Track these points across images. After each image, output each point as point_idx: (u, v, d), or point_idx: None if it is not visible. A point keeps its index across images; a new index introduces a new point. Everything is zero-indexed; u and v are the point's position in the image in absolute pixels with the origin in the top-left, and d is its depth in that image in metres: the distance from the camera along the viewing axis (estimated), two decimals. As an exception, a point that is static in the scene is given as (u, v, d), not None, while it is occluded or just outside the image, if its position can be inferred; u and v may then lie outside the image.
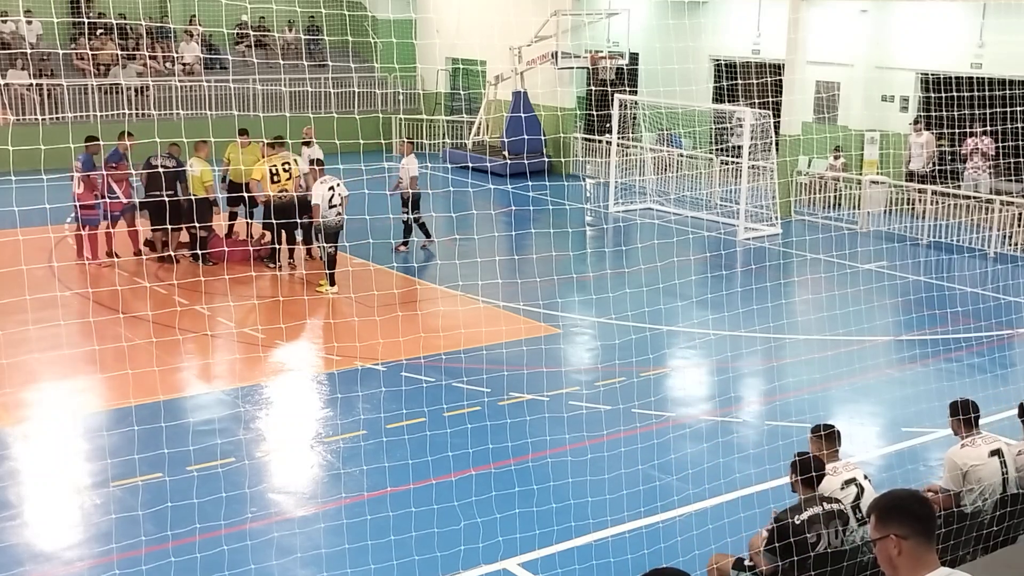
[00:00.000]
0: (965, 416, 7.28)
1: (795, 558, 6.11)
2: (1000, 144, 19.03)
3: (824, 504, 6.41)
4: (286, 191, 15.73)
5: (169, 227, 15.77)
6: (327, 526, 8.36)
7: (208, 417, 10.52)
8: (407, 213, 17.07)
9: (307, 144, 17.94)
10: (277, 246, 16.10)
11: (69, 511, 8.79)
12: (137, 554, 7.53)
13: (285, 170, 15.85)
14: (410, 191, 16.94)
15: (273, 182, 15.82)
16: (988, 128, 18.66)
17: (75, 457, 9.81)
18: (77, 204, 15.67)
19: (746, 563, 6.69)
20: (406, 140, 17.80)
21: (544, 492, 8.57)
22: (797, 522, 6.30)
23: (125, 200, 16.12)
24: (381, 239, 18.00)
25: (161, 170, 15.08)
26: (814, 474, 6.55)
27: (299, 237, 16.47)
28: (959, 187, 19.28)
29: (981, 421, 10.31)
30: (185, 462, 8.79)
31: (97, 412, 10.72)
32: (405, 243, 17.40)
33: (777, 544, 6.22)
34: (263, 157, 16.07)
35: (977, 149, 19.40)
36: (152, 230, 16.25)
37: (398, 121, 26.77)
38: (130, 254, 16.44)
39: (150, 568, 7.34)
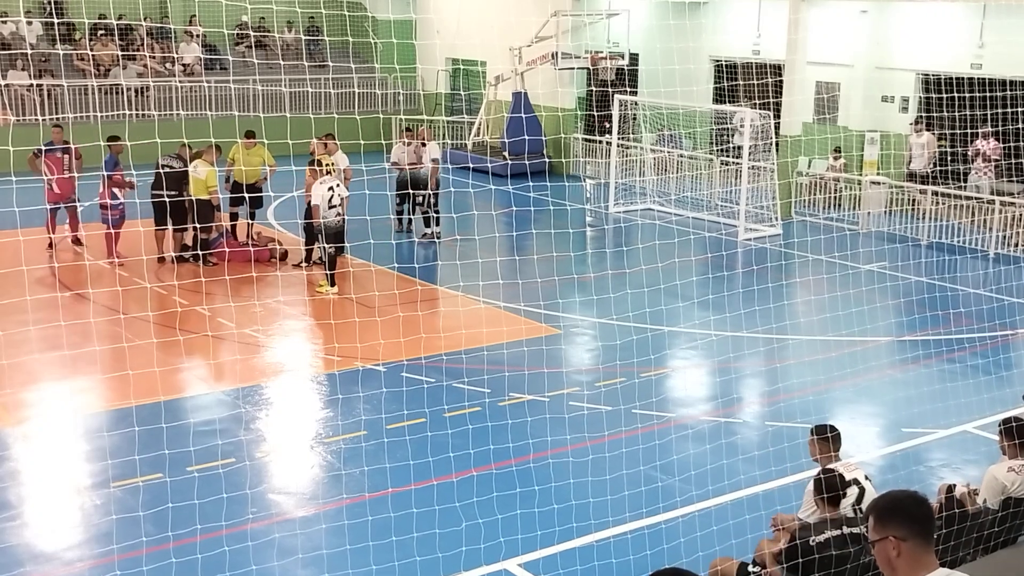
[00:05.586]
0: (1021, 440, 7.07)
1: None
2: (1001, 145, 19.02)
3: (843, 528, 6.35)
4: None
5: (170, 228, 15.79)
6: (328, 527, 8.35)
7: (209, 418, 10.51)
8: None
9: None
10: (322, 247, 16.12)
11: (69, 512, 8.78)
12: (138, 555, 7.53)
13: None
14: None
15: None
16: (991, 129, 18.66)
17: (75, 458, 9.80)
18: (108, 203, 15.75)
19: (750, 568, 6.65)
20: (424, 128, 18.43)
21: (545, 493, 8.56)
22: (812, 543, 6.26)
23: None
24: (382, 239, 18.03)
25: (163, 170, 15.04)
26: (838, 494, 6.49)
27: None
28: (961, 188, 19.27)
29: (981, 422, 10.46)
30: (186, 463, 8.78)
31: (97, 412, 10.71)
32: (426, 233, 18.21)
33: (797, 562, 6.20)
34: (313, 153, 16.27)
35: (979, 152, 19.36)
36: (155, 230, 16.23)
37: (398, 122, 26.76)
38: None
39: (151, 569, 7.33)
